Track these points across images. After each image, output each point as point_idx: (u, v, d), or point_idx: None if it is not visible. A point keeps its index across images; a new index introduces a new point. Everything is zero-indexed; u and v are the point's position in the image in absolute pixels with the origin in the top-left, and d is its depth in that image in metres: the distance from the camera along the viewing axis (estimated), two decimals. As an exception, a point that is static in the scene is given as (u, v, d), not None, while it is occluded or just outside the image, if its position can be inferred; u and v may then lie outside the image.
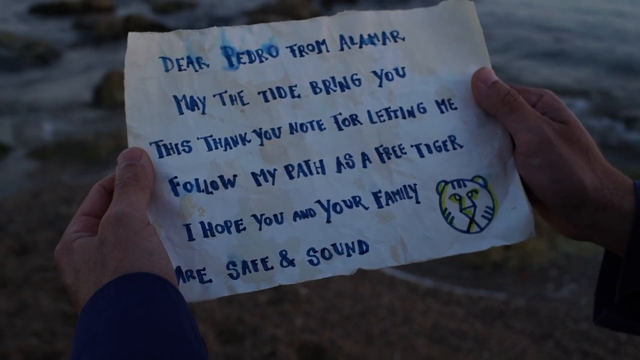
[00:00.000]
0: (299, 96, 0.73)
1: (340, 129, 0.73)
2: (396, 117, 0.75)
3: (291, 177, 0.70)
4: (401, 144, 0.74)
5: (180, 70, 0.72)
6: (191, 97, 0.71)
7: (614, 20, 10.17)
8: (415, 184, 0.73)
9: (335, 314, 2.88)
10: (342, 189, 0.71)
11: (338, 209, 0.70)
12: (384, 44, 0.77)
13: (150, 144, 0.69)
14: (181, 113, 0.71)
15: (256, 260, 0.67)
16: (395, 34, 0.78)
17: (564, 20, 10.26)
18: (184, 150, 0.69)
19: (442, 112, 0.75)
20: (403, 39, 0.78)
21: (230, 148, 0.70)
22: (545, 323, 2.91)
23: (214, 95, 0.72)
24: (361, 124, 0.74)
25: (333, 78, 0.75)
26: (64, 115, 6.18)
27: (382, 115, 0.74)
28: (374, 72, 0.76)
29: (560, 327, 2.87)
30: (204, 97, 0.72)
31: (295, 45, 0.75)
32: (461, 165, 0.74)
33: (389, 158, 0.73)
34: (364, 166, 0.72)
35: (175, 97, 0.71)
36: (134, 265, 0.56)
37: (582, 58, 8.17)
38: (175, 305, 0.56)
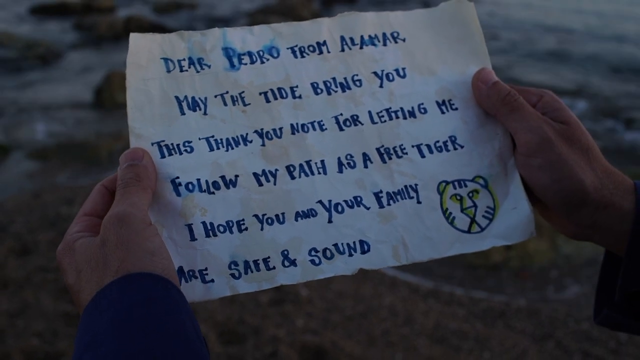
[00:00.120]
0: (300, 97, 0.74)
1: (341, 129, 0.73)
2: (397, 117, 0.75)
3: (293, 177, 0.71)
4: (402, 144, 0.74)
5: (181, 71, 0.72)
6: (193, 97, 0.72)
7: (615, 22, 10.17)
8: (416, 184, 0.73)
9: (336, 315, 2.88)
10: (344, 189, 0.71)
11: (339, 209, 0.70)
12: (385, 44, 0.77)
13: (152, 144, 0.69)
14: (183, 114, 0.71)
15: (258, 260, 0.67)
16: (395, 34, 0.78)
17: (564, 22, 10.26)
18: (185, 150, 0.69)
19: (442, 112, 0.76)
20: (403, 40, 0.78)
21: (232, 148, 0.70)
22: (546, 323, 2.91)
23: (216, 96, 0.72)
24: (362, 124, 0.74)
25: (334, 79, 0.75)
26: (64, 116, 6.19)
27: (382, 116, 0.75)
28: (375, 73, 0.76)
29: (561, 327, 2.88)
30: (206, 98, 0.72)
31: (296, 46, 0.76)
32: (462, 165, 0.74)
33: (390, 158, 0.73)
34: (365, 166, 0.72)
35: (176, 97, 0.71)
36: (135, 266, 0.57)
37: (583, 59, 8.18)
38: (177, 305, 0.56)
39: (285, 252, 0.68)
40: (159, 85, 0.71)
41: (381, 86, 0.76)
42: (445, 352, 2.66)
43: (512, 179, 0.74)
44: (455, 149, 0.75)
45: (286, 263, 0.68)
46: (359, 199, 0.71)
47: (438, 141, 0.75)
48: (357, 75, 0.76)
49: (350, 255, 0.69)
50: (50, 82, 7.34)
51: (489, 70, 0.75)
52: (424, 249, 0.71)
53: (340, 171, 0.72)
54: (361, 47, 0.77)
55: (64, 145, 5.33)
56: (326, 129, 0.73)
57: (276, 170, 0.70)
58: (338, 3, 12.08)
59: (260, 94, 0.73)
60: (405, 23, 0.79)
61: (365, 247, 0.70)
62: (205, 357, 0.55)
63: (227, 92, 0.72)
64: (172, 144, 0.69)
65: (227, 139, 0.71)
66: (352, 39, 0.77)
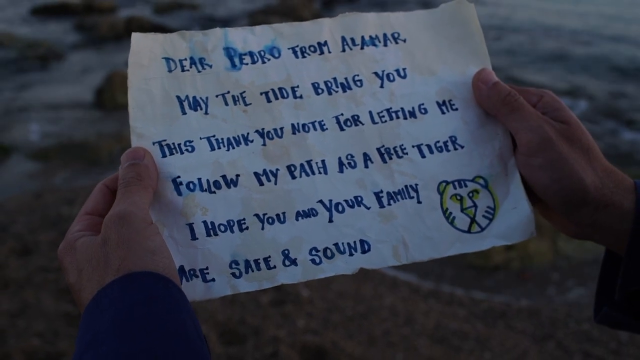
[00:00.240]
0: (301, 97, 0.74)
1: (342, 129, 0.74)
2: (397, 117, 0.75)
3: (293, 177, 0.71)
4: (402, 145, 0.74)
5: (183, 70, 0.72)
6: (194, 97, 0.72)
7: (615, 23, 10.17)
8: (416, 184, 0.73)
9: (337, 315, 2.88)
10: (344, 189, 0.71)
11: (340, 208, 0.71)
12: (385, 45, 0.78)
13: (154, 143, 0.69)
14: (184, 113, 0.71)
15: (259, 259, 0.68)
16: (396, 35, 0.78)
17: (564, 23, 10.26)
18: (186, 150, 0.70)
19: (443, 112, 0.76)
20: (404, 41, 0.78)
21: (233, 148, 0.71)
22: (546, 324, 2.91)
23: (217, 96, 0.72)
24: (363, 124, 0.74)
25: (335, 79, 0.75)
26: (65, 117, 6.19)
27: (383, 116, 0.75)
28: (376, 73, 0.76)
29: (561, 327, 2.88)
30: (207, 98, 0.72)
31: (297, 46, 0.76)
32: (462, 165, 0.74)
33: (391, 158, 0.73)
34: (366, 166, 0.73)
35: (178, 97, 0.71)
36: (137, 264, 0.57)
37: (583, 61, 8.18)
38: (178, 304, 0.56)
39: (286, 252, 0.68)
40: (160, 84, 0.71)
41: (382, 86, 0.76)
42: (445, 352, 2.66)
43: (512, 179, 0.74)
44: (455, 149, 0.75)
45: (287, 262, 0.68)
46: (359, 198, 0.71)
47: (438, 141, 0.75)
48: (357, 75, 0.76)
49: (351, 254, 0.69)
50: (51, 83, 7.35)
51: (489, 71, 0.76)
52: (424, 248, 0.71)
53: (341, 171, 0.72)
54: (362, 48, 0.77)
55: (64, 145, 5.34)
56: (327, 128, 0.73)
57: (277, 169, 0.71)
58: (339, 4, 12.09)
59: (261, 93, 0.73)
60: (406, 24, 0.79)
61: (366, 247, 0.70)
62: (206, 357, 0.55)
63: (228, 92, 0.73)
64: (173, 144, 0.70)
65: (228, 139, 0.71)
66: (353, 40, 0.77)
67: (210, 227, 0.68)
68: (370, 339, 2.72)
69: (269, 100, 0.73)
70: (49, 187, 4.46)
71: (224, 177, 0.69)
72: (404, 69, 0.77)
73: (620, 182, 0.68)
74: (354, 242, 0.70)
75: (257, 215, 0.69)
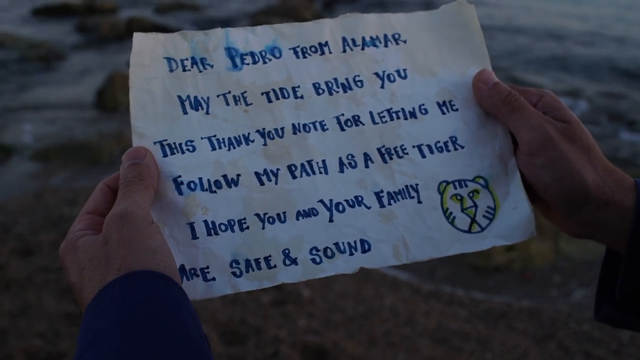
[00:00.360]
0: (301, 97, 0.74)
1: (342, 129, 0.74)
2: (398, 118, 0.75)
3: (294, 177, 0.71)
4: (403, 145, 0.74)
5: (184, 70, 0.73)
6: (195, 97, 0.72)
7: (616, 26, 10.17)
8: (417, 184, 0.73)
9: (338, 315, 2.88)
10: (345, 189, 0.71)
11: (340, 208, 0.71)
12: (386, 46, 0.78)
13: (155, 143, 0.69)
14: (185, 113, 0.71)
15: (259, 258, 0.68)
16: (396, 36, 0.78)
17: (565, 25, 10.26)
18: (187, 149, 0.70)
19: (443, 113, 0.76)
20: (404, 42, 0.78)
21: (234, 148, 0.71)
22: (547, 324, 2.91)
23: (218, 96, 0.73)
24: (363, 124, 0.74)
25: (336, 79, 0.76)
26: (66, 117, 6.19)
27: (384, 116, 0.75)
28: (376, 74, 0.77)
29: (562, 328, 2.88)
30: (208, 98, 0.72)
31: (299, 46, 0.76)
32: (462, 165, 0.74)
33: (391, 158, 0.74)
34: (366, 166, 0.73)
35: (179, 97, 0.72)
36: (138, 263, 0.57)
37: (583, 63, 8.17)
38: (179, 303, 0.56)
39: (287, 251, 0.68)
40: (161, 84, 0.72)
41: (382, 87, 0.76)
42: (446, 352, 2.66)
43: (513, 179, 0.74)
44: (455, 149, 0.75)
45: (287, 262, 0.68)
46: (360, 198, 0.72)
47: (439, 141, 0.75)
48: (358, 75, 0.76)
49: (351, 254, 0.69)
50: (52, 83, 7.35)
51: (490, 72, 0.76)
52: (425, 248, 0.71)
53: (342, 171, 0.72)
54: (363, 48, 0.77)
55: (65, 146, 5.34)
56: (327, 129, 0.73)
57: (278, 169, 0.71)
58: (340, 4, 12.09)
59: (262, 93, 0.73)
60: (407, 25, 0.79)
61: (366, 246, 0.70)
62: (207, 356, 0.55)
63: (229, 92, 0.73)
64: (174, 143, 0.70)
65: (229, 139, 0.71)
66: (353, 40, 0.77)
67: (211, 226, 0.68)
68: (371, 339, 2.72)
69: (269, 101, 0.73)
70: (50, 188, 4.46)
71: (224, 176, 0.70)
72: (404, 70, 0.77)
73: (621, 181, 0.68)
74: (355, 241, 0.70)
75: (257, 214, 0.69)
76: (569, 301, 3.17)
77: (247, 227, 0.68)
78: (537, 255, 3.50)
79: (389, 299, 3.06)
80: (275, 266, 0.68)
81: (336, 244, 0.69)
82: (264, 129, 0.72)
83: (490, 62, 0.79)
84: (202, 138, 0.70)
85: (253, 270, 0.67)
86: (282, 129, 0.72)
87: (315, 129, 0.73)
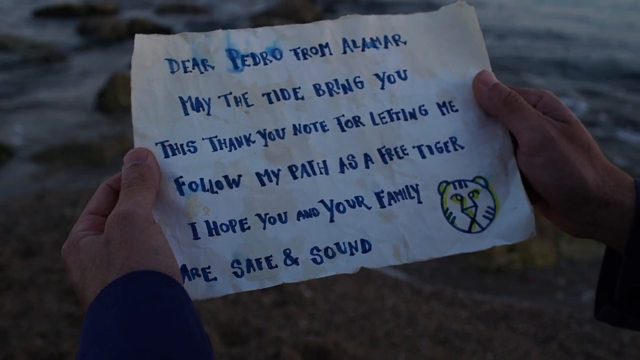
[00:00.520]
0: (302, 98, 0.74)
1: (343, 130, 0.74)
2: (398, 118, 0.76)
3: (295, 177, 0.71)
4: (403, 145, 0.75)
5: (185, 72, 0.73)
6: (196, 98, 0.72)
7: (616, 28, 10.17)
8: (417, 185, 0.73)
9: (339, 316, 2.88)
10: (345, 189, 0.72)
11: (341, 208, 0.71)
12: (386, 47, 0.78)
13: (156, 144, 0.70)
14: (186, 114, 0.72)
15: (260, 258, 0.68)
16: (397, 37, 0.79)
17: (565, 28, 10.26)
18: (189, 150, 0.70)
19: (443, 114, 0.76)
20: (405, 43, 0.79)
21: (235, 148, 0.71)
22: (548, 325, 2.91)
23: (219, 97, 0.73)
24: (364, 125, 0.75)
25: (336, 80, 0.76)
26: (67, 118, 6.20)
27: (384, 117, 0.75)
28: (376, 75, 0.77)
29: (563, 329, 2.87)
30: (209, 99, 0.73)
31: (299, 48, 0.76)
32: (462, 165, 0.75)
33: (391, 159, 0.74)
34: (367, 167, 0.73)
35: (180, 98, 0.72)
36: (139, 263, 0.57)
37: (584, 65, 8.17)
38: (181, 302, 0.57)
39: (288, 251, 0.69)
40: (163, 86, 0.72)
41: (382, 88, 0.77)
42: (447, 353, 2.66)
43: (513, 179, 0.74)
44: (455, 149, 0.75)
45: (288, 262, 0.68)
46: (360, 198, 0.72)
47: (439, 142, 0.75)
48: (358, 77, 0.77)
49: (352, 254, 0.70)
50: (54, 85, 7.36)
51: (489, 73, 0.76)
52: (425, 248, 0.72)
53: (342, 171, 0.73)
54: (363, 50, 0.78)
55: (67, 147, 5.34)
56: (328, 129, 0.74)
57: (278, 170, 0.71)
58: (340, 6, 12.10)
59: (263, 95, 0.74)
60: (407, 26, 0.79)
61: (367, 246, 0.70)
62: (209, 355, 0.55)
63: (230, 93, 0.73)
64: (175, 144, 0.70)
65: (230, 139, 0.71)
66: (354, 42, 0.78)
67: (212, 226, 0.68)
68: (372, 340, 2.73)
69: (270, 102, 0.74)
70: (51, 189, 4.46)
71: (226, 177, 0.70)
72: (404, 71, 0.78)
73: (621, 181, 0.68)
74: (355, 241, 0.70)
75: (258, 215, 0.69)
76: (569, 302, 3.17)
77: (249, 227, 0.69)
78: (538, 256, 3.50)
79: (390, 299, 3.07)
80: (276, 266, 0.68)
81: (337, 244, 0.70)
82: (264, 129, 0.72)
83: (490, 63, 0.79)
84: (203, 139, 0.71)
85: (254, 270, 0.68)
86: (282, 129, 0.73)
87: (316, 129, 0.74)
